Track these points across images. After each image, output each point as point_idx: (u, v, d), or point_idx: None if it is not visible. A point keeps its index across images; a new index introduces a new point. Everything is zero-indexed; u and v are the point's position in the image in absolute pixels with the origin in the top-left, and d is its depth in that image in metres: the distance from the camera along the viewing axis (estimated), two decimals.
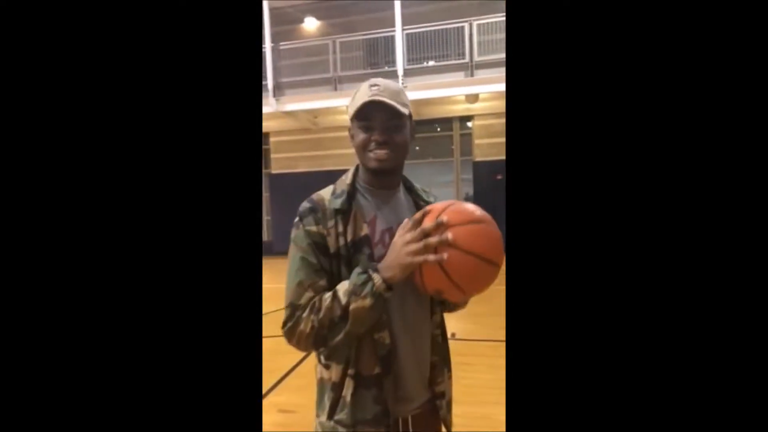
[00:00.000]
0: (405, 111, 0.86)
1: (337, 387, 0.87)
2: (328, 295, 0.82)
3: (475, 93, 8.14)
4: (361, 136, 0.87)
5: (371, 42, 8.69)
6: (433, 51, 8.17)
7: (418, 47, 8.16)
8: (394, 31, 8.04)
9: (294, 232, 0.88)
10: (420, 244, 0.76)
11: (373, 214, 0.91)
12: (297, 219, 0.88)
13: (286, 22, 9.49)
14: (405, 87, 7.90)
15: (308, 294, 0.84)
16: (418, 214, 0.80)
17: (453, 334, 3.81)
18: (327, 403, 0.88)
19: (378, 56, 8.71)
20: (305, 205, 0.89)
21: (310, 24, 10.08)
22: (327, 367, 0.90)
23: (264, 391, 2.77)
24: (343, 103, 8.76)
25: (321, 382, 0.91)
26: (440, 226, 0.75)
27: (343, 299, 0.80)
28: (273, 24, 8.62)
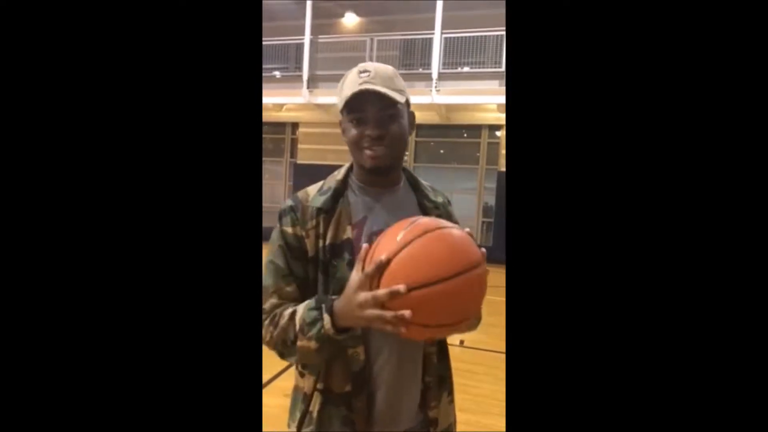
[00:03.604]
0: (401, 98, 0.75)
1: (307, 399, 0.80)
2: (287, 312, 0.74)
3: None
4: (352, 130, 0.77)
5: (408, 43, 8.70)
6: (470, 57, 8.13)
7: (454, 52, 8.14)
8: (432, 33, 8.03)
9: (273, 231, 0.80)
10: (375, 313, 0.62)
11: (363, 214, 0.80)
12: (278, 216, 0.80)
13: (327, 16, 9.57)
14: (438, 90, 7.90)
15: (273, 300, 0.77)
16: (362, 252, 0.66)
17: (461, 342, 3.80)
18: (298, 414, 0.81)
19: (414, 57, 8.71)
20: (287, 202, 0.81)
21: (350, 20, 10.14)
22: (302, 374, 0.82)
23: (272, 375, 2.82)
24: None
25: (295, 389, 0.84)
26: (396, 295, 0.60)
27: (297, 325, 0.72)
28: (313, 17, 8.71)
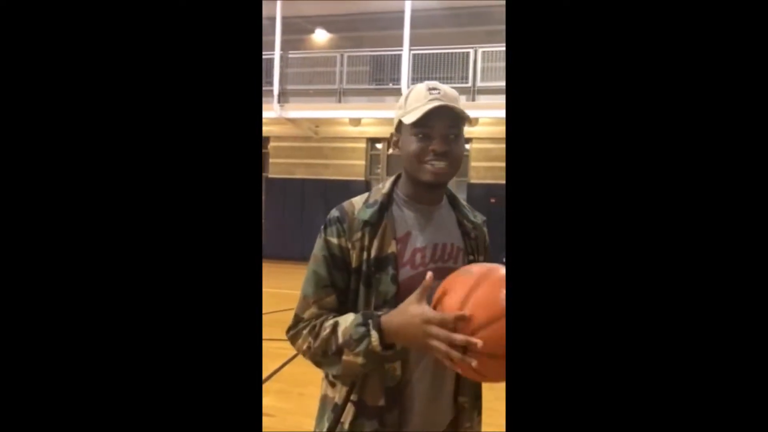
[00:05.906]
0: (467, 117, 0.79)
1: (339, 410, 0.80)
2: (329, 324, 0.76)
3: (475, 117, 8.30)
4: (416, 144, 0.78)
5: (378, 58, 8.86)
6: (438, 73, 8.34)
7: (423, 68, 8.33)
8: (401, 50, 8.21)
9: (317, 240, 0.81)
10: (443, 347, 0.64)
11: (407, 230, 0.81)
12: (323, 226, 0.81)
13: (297, 32, 9.64)
14: None
15: (312, 309, 0.79)
16: (440, 290, 0.70)
17: None
18: (326, 423, 0.81)
19: (384, 73, 8.86)
20: (333, 213, 0.81)
21: (320, 36, 10.24)
22: (332, 384, 0.83)
23: None
24: (346, 114, 8.88)
25: (324, 399, 0.84)
26: (465, 322, 0.64)
27: (340, 339, 0.73)
28: (283, 32, 8.76)
